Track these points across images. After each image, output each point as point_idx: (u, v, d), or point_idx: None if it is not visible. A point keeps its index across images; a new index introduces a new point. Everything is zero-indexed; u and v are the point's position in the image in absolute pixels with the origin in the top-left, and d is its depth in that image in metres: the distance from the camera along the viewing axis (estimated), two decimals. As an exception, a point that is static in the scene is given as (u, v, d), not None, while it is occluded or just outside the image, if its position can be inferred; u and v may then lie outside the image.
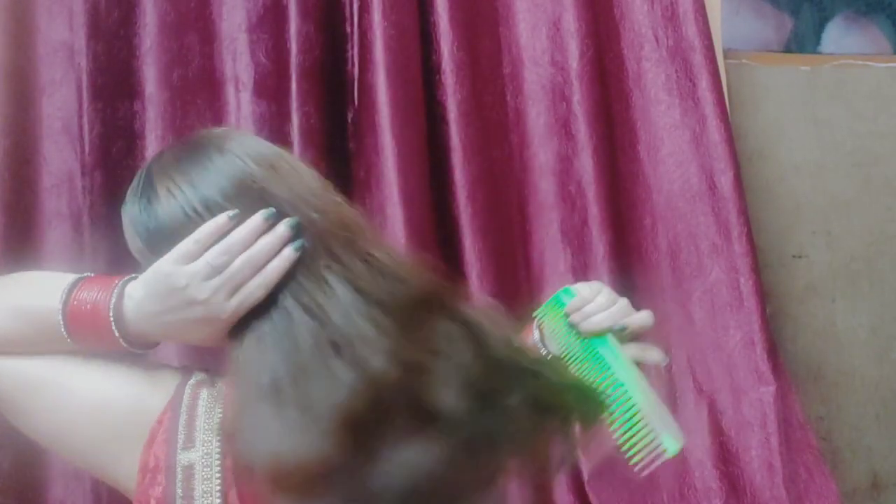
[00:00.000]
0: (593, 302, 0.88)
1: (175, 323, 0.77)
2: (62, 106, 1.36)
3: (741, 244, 1.48)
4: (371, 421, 0.71)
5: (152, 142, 1.36)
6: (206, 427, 0.79)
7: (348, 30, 1.47)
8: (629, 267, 1.53)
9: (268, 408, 0.72)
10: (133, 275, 0.81)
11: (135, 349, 0.80)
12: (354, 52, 1.46)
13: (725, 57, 1.64)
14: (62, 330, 0.78)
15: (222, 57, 1.41)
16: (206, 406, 0.80)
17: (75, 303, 0.78)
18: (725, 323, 1.48)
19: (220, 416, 0.79)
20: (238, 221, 0.77)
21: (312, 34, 1.41)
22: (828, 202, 1.72)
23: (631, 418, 0.84)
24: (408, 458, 0.70)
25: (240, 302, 0.76)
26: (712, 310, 1.49)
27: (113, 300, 0.78)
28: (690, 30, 1.52)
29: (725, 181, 1.49)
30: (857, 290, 1.73)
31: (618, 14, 1.55)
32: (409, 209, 1.37)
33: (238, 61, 1.41)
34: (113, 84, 1.37)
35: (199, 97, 1.39)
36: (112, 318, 0.77)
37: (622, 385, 0.86)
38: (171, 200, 0.80)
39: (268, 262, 0.77)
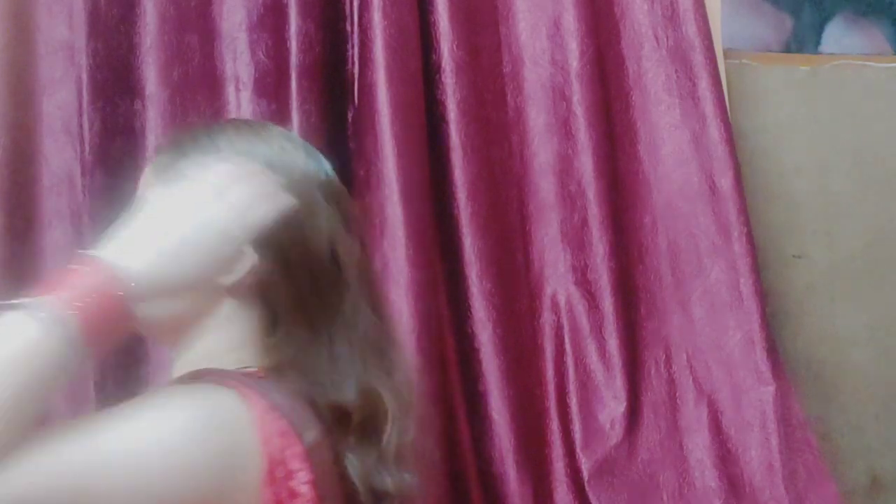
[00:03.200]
0: None
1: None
2: (62, 104, 1.36)
3: (741, 244, 1.48)
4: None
5: (152, 140, 1.36)
6: (300, 409, 0.80)
7: (348, 29, 1.47)
8: (629, 267, 1.53)
9: (365, 356, 0.84)
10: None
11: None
12: (354, 51, 1.45)
13: (725, 57, 1.64)
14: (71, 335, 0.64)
15: (223, 56, 1.41)
16: (284, 392, 0.80)
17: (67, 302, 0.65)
18: (725, 323, 1.48)
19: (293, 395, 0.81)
20: None
21: (312, 33, 1.41)
22: (828, 202, 1.72)
23: None
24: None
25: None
26: (712, 310, 1.49)
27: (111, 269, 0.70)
28: (690, 30, 1.52)
29: (725, 181, 1.49)
30: (857, 290, 1.73)
31: (618, 13, 1.56)
32: (409, 209, 1.37)
33: (238, 60, 1.41)
34: (113, 82, 1.37)
35: (199, 96, 1.39)
36: (121, 292, 0.68)
37: None
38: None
39: None
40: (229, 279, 0.81)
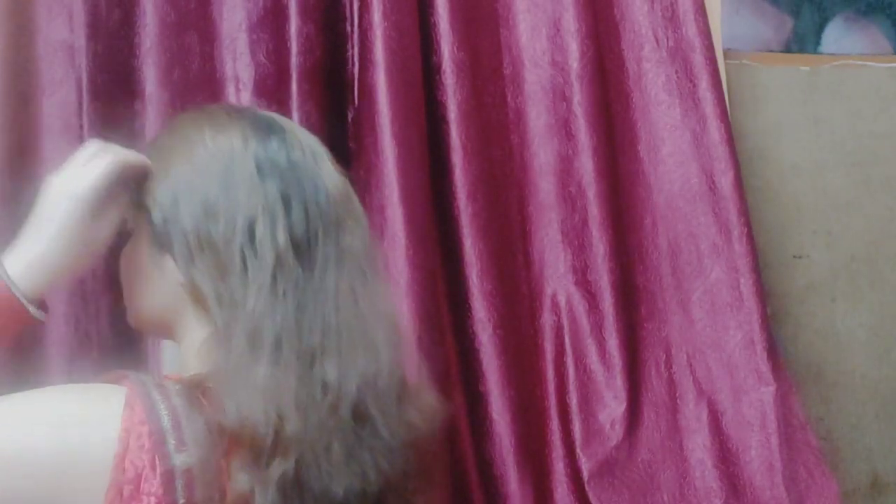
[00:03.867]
0: None
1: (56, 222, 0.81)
2: (62, 106, 1.36)
3: (741, 244, 1.48)
4: (342, 424, 0.76)
5: (152, 141, 1.36)
6: (194, 428, 0.74)
7: (348, 30, 1.47)
8: (629, 267, 1.53)
9: (261, 364, 0.75)
10: None
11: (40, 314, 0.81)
12: (354, 52, 1.45)
13: (725, 57, 1.64)
14: None
15: (222, 57, 1.41)
16: (184, 405, 0.75)
17: None
18: (725, 323, 1.48)
19: (206, 414, 0.75)
20: None
21: (312, 34, 1.41)
22: (828, 202, 1.72)
23: None
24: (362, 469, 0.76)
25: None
26: (712, 310, 1.49)
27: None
28: (690, 30, 1.52)
29: (725, 181, 1.49)
30: (857, 290, 1.73)
31: (618, 14, 1.56)
32: (409, 209, 1.37)
33: (238, 61, 1.41)
34: (113, 83, 1.37)
35: (199, 97, 1.39)
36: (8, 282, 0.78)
37: None
38: None
39: None
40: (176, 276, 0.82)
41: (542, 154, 1.52)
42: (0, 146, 1.29)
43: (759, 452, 1.42)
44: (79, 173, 0.82)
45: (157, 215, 0.83)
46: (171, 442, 0.73)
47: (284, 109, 1.39)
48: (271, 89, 1.40)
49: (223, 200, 0.80)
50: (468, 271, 1.42)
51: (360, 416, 0.79)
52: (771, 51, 1.75)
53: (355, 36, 1.45)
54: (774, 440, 1.42)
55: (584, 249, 1.50)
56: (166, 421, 0.74)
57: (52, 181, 0.83)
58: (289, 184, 0.81)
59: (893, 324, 1.73)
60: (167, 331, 0.88)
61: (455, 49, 1.45)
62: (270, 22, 1.41)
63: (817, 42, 1.78)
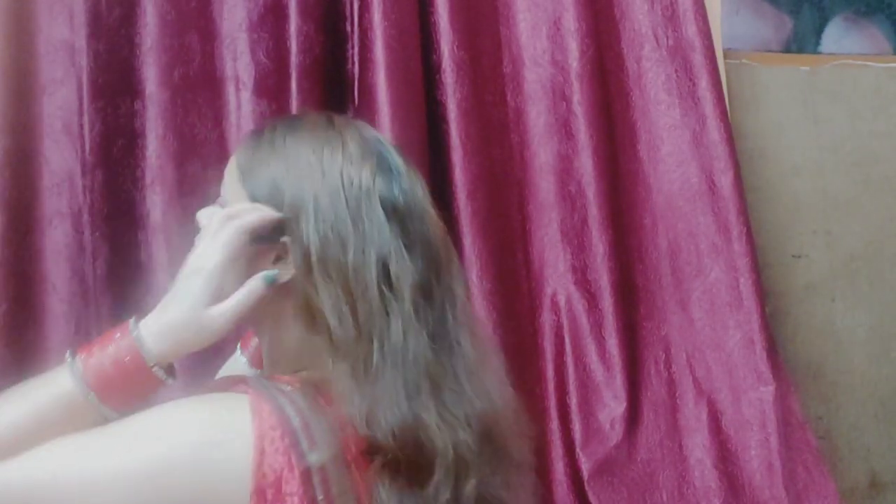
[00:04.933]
0: None
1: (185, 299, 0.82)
2: (63, 105, 1.36)
3: (741, 244, 1.48)
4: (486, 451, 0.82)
5: (153, 141, 1.36)
6: (321, 428, 0.78)
7: (348, 29, 1.47)
8: (629, 267, 1.53)
9: (408, 391, 0.79)
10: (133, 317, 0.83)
11: (168, 378, 0.82)
12: (354, 52, 1.46)
13: (725, 57, 1.64)
14: (91, 397, 0.78)
15: (223, 56, 1.41)
16: (305, 405, 0.79)
17: (93, 367, 0.79)
18: (725, 323, 1.48)
19: (329, 414, 0.80)
20: None
21: (312, 33, 1.41)
22: (828, 202, 1.73)
23: None
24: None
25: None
26: (712, 309, 1.49)
27: (133, 337, 0.80)
28: (690, 29, 1.52)
29: (725, 181, 1.49)
30: (857, 289, 1.73)
31: (618, 14, 1.56)
32: (409, 209, 1.36)
33: (238, 60, 1.41)
34: (114, 83, 1.37)
35: (199, 96, 1.39)
36: (142, 354, 0.79)
37: None
38: None
39: None
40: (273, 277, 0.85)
41: (541, 153, 1.52)
42: (0, 146, 1.29)
43: (758, 452, 1.43)
44: (208, 249, 0.84)
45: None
46: (304, 441, 0.77)
47: (284, 109, 1.39)
48: (271, 88, 1.40)
49: (352, 230, 0.83)
50: (468, 271, 1.42)
51: (497, 451, 0.84)
52: (771, 51, 1.75)
53: (355, 35, 1.46)
54: (773, 440, 1.42)
55: (584, 249, 1.50)
56: (296, 421, 0.78)
57: (188, 258, 0.85)
58: (410, 229, 0.85)
59: (893, 323, 1.73)
60: (253, 323, 0.91)
61: (455, 48, 1.45)
62: (271, 21, 1.41)
63: (817, 42, 1.78)
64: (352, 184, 0.84)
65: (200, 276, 0.82)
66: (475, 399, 0.83)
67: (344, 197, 0.84)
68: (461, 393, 0.82)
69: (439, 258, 0.87)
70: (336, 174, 0.85)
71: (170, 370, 0.84)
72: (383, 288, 0.82)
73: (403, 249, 0.83)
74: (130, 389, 0.80)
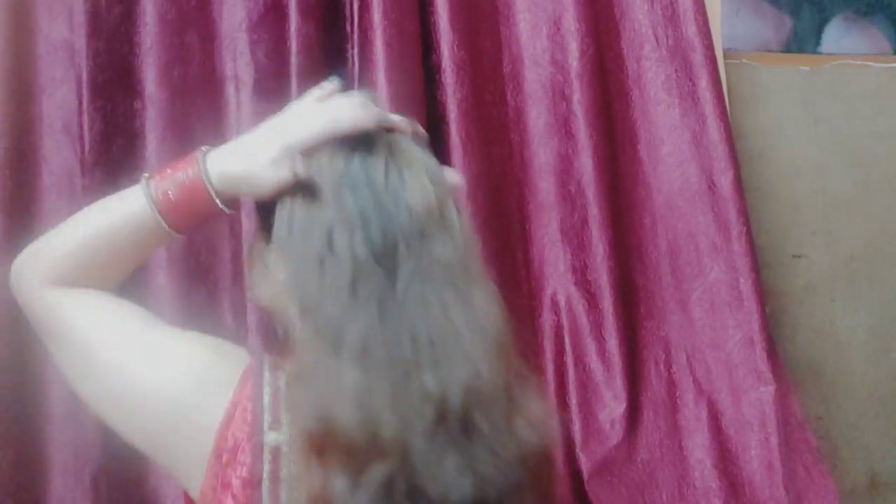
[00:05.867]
0: None
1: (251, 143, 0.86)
2: (62, 104, 1.36)
3: (741, 244, 1.48)
4: (438, 431, 0.75)
5: (152, 140, 1.36)
6: (289, 408, 0.79)
7: (348, 29, 1.47)
8: (629, 267, 1.53)
9: (346, 366, 0.76)
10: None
11: (228, 208, 0.86)
12: (355, 52, 1.45)
13: (725, 57, 1.64)
14: (159, 220, 0.84)
15: (222, 56, 1.41)
16: (285, 389, 0.81)
17: (161, 192, 0.85)
18: (725, 323, 1.48)
19: (296, 399, 0.80)
20: None
21: (312, 34, 1.41)
22: (828, 202, 1.73)
23: None
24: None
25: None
26: (712, 309, 1.49)
27: (201, 163, 0.85)
28: (690, 29, 1.52)
29: (725, 181, 1.49)
30: (857, 290, 1.73)
31: (618, 13, 1.56)
32: (409, 208, 1.36)
33: (238, 60, 1.41)
34: (113, 83, 1.37)
35: (199, 96, 1.39)
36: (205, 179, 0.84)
37: None
38: None
39: None
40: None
41: (541, 153, 1.52)
42: (0, 146, 1.29)
43: (758, 452, 1.42)
44: (306, 120, 0.87)
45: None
46: (267, 419, 0.79)
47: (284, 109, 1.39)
48: (271, 88, 1.40)
49: (305, 213, 0.83)
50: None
51: (469, 428, 0.77)
52: (771, 51, 1.75)
53: (355, 35, 1.45)
54: (773, 440, 1.42)
55: (584, 249, 1.50)
56: (267, 398, 0.80)
57: (293, 107, 0.89)
58: (365, 201, 0.81)
59: (893, 324, 1.73)
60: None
61: (455, 48, 1.45)
62: (270, 21, 1.41)
63: (817, 42, 1.78)
64: (314, 167, 0.84)
65: (279, 142, 0.84)
66: (450, 382, 0.77)
67: (303, 183, 0.83)
68: (427, 375, 0.77)
69: (410, 230, 0.81)
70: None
71: (232, 204, 0.86)
72: (325, 260, 0.79)
73: (357, 222, 0.80)
74: (193, 215, 0.86)
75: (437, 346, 0.78)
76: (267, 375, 0.81)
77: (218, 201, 0.84)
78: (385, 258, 0.80)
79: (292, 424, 0.78)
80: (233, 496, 0.77)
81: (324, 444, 0.75)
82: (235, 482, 0.77)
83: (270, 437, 0.78)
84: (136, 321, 0.85)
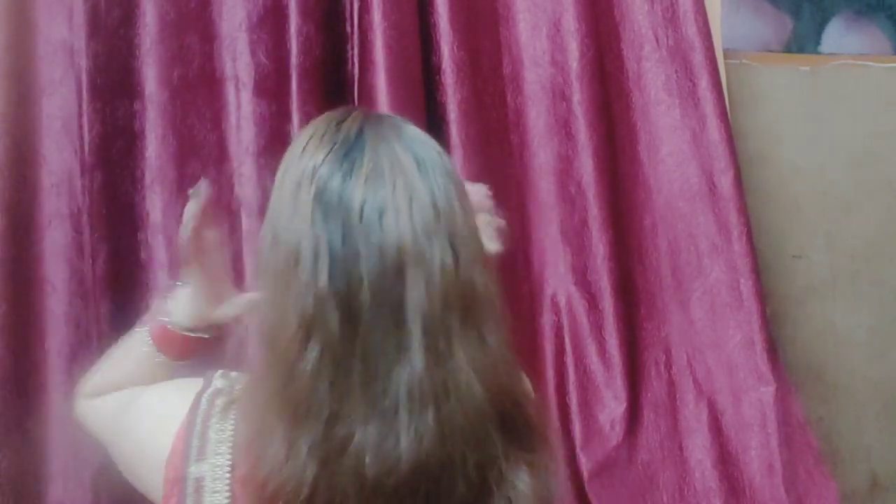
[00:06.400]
0: None
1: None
2: (62, 105, 1.36)
3: (741, 244, 1.48)
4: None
5: (152, 141, 1.36)
6: (218, 439, 0.79)
7: (348, 30, 1.47)
8: (629, 267, 1.53)
9: (285, 413, 0.72)
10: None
11: (201, 334, 0.95)
12: (355, 53, 1.45)
13: (725, 57, 1.64)
14: (153, 348, 0.95)
15: (222, 57, 1.41)
16: (220, 416, 0.80)
17: (154, 328, 0.96)
18: (725, 323, 1.48)
19: (233, 426, 0.79)
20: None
21: (313, 34, 1.41)
22: (828, 202, 1.72)
23: None
24: None
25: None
26: (712, 310, 1.49)
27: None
28: (690, 30, 1.52)
29: (725, 181, 1.49)
30: (857, 290, 1.73)
31: (618, 14, 1.55)
32: (409, 209, 1.36)
33: (238, 61, 1.41)
34: (113, 84, 1.37)
35: (199, 97, 1.39)
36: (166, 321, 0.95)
37: None
38: None
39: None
40: None
41: (541, 154, 1.52)
42: (0, 145, 1.29)
43: (758, 453, 1.42)
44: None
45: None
46: (194, 451, 0.79)
47: (284, 110, 1.39)
48: (271, 89, 1.40)
49: (283, 216, 0.74)
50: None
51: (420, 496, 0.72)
52: (771, 51, 1.75)
53: (355, 36, 1.45)
54: (774, 441, 1.42)
55: (584, 250, 1.50)
56: (197, 429, 0.80)
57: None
58: (333, 233, 0.71)
59: (893, 324, 1.73)
60: None
61: (455, 49, 1.45)
62: (270, 22, 1.41)
63: (817, 42, 1.77)
64: (299, 171, 0.75)
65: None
66: (389, 451, 0.70)
67: (286, 185, 0.75)
68: (361, 433, 0.70)
69: (382, 272, 0.71)
70: (293, 161, 0.76)
71: (212, 329, 0.96)
72: (290, 286, 0.72)
73: (325, 250, 0.71)
74: (189, 350, 0.96)
75: (393, 405, 0.70)
76: (205, 404, 0.82)
77: (193, 335, 0.96)
78: (346, 303, 0.70)
79: (217, 455, 0.78)
80: None
81: (248, 479, 0.75)
82: None
83: (193, 468, 0.78)
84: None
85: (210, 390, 0.83)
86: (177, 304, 0.96)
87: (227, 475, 0.77)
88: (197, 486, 0.77)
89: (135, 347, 0.97)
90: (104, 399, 0.94)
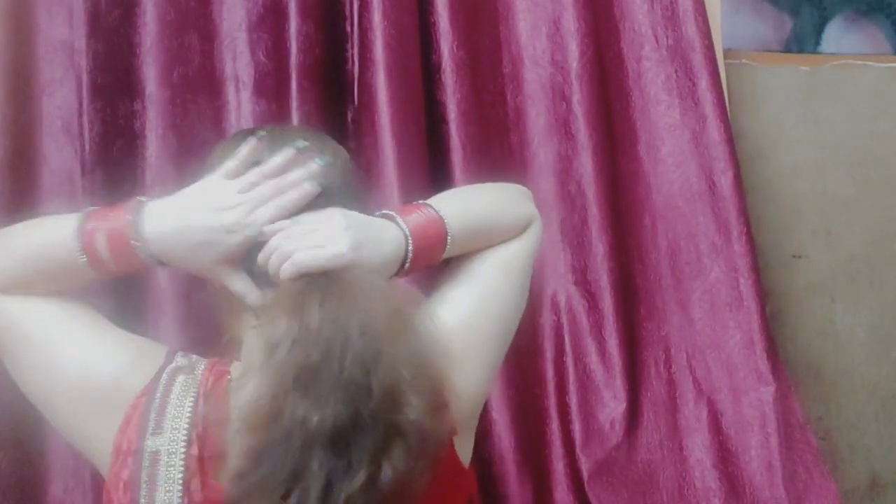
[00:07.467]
0: None
1: (194, 235, 0.84)
2: (62, 105, 1.36)
3: (741, 244, 1.48)
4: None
5: (152, 141, 1.36)
6: (176, 414, 0.81)
7: (348, 29, 1.47)
8: (629, 267, 1.53)
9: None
10: (142, 198, 0.86)
11: (152, 264, 0.86)
12: (354, 52, 1.45)
13: (725, 57, 1.64)
14: (81, 259, 0.83)
15: (222, 56, 1.41)
16: (180, 393, 0.82)
17: (90, 232, 0.83)
18: (725, 323, 1.48)
19: (192, 404, 0.81)
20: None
21: (312, 33, 1.41)
22: (828, 202, 1.73)
23: None
24: None
25: (253, 219, 0.84)
26: (712, 310, 1.49)
27: (134, 220, 0.84)
28: (690, 29, 1.52)
29: (725, 181, 1.49)
30: (857, 290, 1.73)
31: (618, 14, 1.56)
32: (409, 209, 1.36)
33: (238, 60, 1.41)
34: (113, 83, 1.36)
35: (199, 96, 1.39)
36: (134, 238, 0.83)
37: None
38: None
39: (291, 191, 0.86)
40: None
41: (541, 153, 1.52)
42: (0, 145, 1.29)
43: (758, 452, 1.42)
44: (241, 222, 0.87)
45: None
46: (151, 425, 0.80)
47: (284, 109, 1.39)
48: (271, 88, 1.40)
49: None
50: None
51: None
52: (771, 50, 1.75)
53: (355, 35, 1.45)
54: (774, 440, 1.42)
55: (584, 249, 1.50)
56: (156, 403, 0.81)
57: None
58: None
59: (893, 324, 1.73)
60: None
61: (455, 48, 1.45)
62: (270, 21, 1.41)
63: (817, 42, 1.78)
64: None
65: (227, 240, 0.85)
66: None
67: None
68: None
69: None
70: None
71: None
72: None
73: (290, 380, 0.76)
74: (119, 264, 0.85)
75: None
76: (164, 379, 0.83)
77: (145, 257, 0.85)
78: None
79: (174, 430, 0.80)
80: (118, 498, 0.79)
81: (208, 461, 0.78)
82: (120, 484, 0.79)
83: (150, 442, 0.79)
84: (68, 319, 0.87)
85: (172, 366, 0.85)
86: (154, 218, 0.84)
87: (183, 451, 0.79)
88: (153, 460, 0.79)
89: (54, 242, 0.85)
90: (24, 303, 0.86)
